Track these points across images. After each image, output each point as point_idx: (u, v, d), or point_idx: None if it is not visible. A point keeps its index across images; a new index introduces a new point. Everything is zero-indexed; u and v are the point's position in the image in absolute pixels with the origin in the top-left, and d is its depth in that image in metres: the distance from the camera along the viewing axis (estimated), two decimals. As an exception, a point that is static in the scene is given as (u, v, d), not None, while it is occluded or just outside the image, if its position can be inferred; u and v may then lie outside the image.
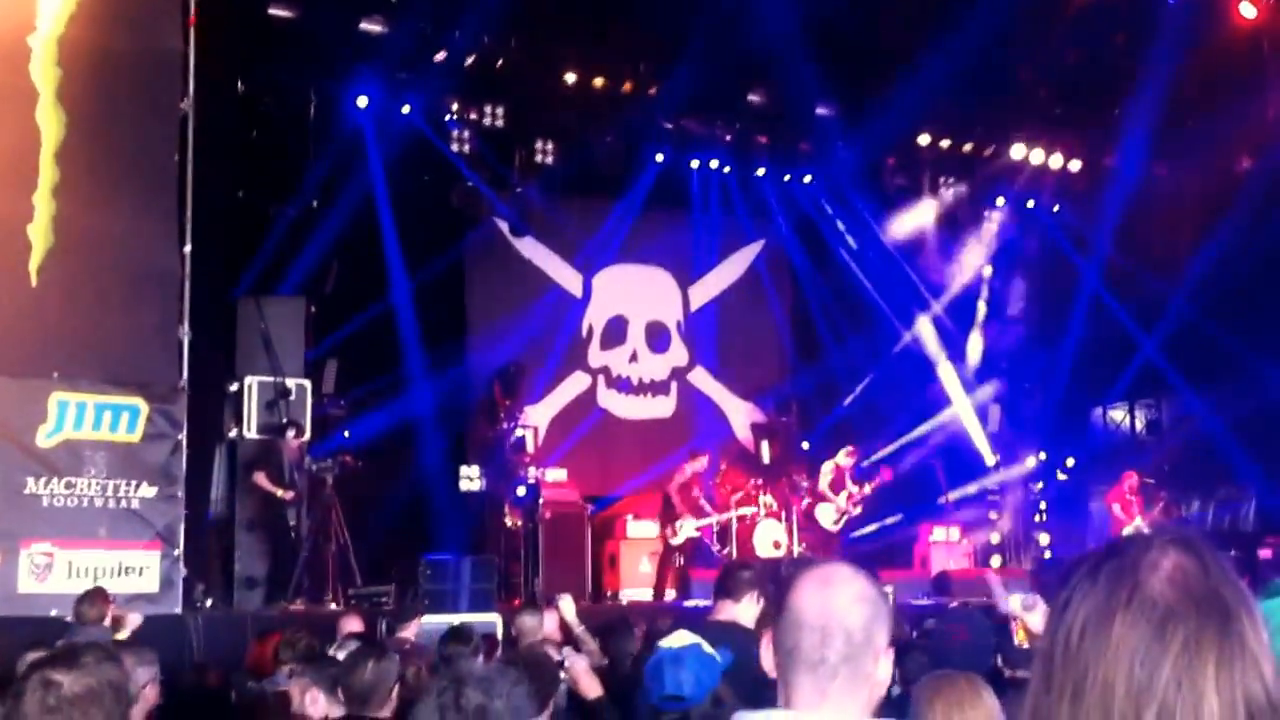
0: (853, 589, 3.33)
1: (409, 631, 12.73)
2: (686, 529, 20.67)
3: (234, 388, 18.74)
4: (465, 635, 9.80)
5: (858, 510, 22.46)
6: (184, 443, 15.98)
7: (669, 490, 20.99)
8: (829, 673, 3.24)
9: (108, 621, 12.18)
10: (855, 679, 3.26)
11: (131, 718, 7.30)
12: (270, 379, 18.77)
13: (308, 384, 19.10)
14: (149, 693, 7.43)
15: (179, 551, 15.74)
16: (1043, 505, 25.94)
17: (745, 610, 7.96)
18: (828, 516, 22.12)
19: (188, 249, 16.13)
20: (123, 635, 11.77)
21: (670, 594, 20.46)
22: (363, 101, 21.60)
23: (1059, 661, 2.18)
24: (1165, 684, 2.08)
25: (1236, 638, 2.10)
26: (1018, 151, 26.98)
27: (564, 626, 12.59)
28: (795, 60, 21.73)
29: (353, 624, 12.51)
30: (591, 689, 7.74)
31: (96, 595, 12.35)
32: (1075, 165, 27.72)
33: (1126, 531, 22.17)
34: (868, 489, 22.42)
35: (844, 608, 3.29)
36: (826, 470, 22.38)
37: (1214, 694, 2.07)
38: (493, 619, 15.59)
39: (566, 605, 12.88)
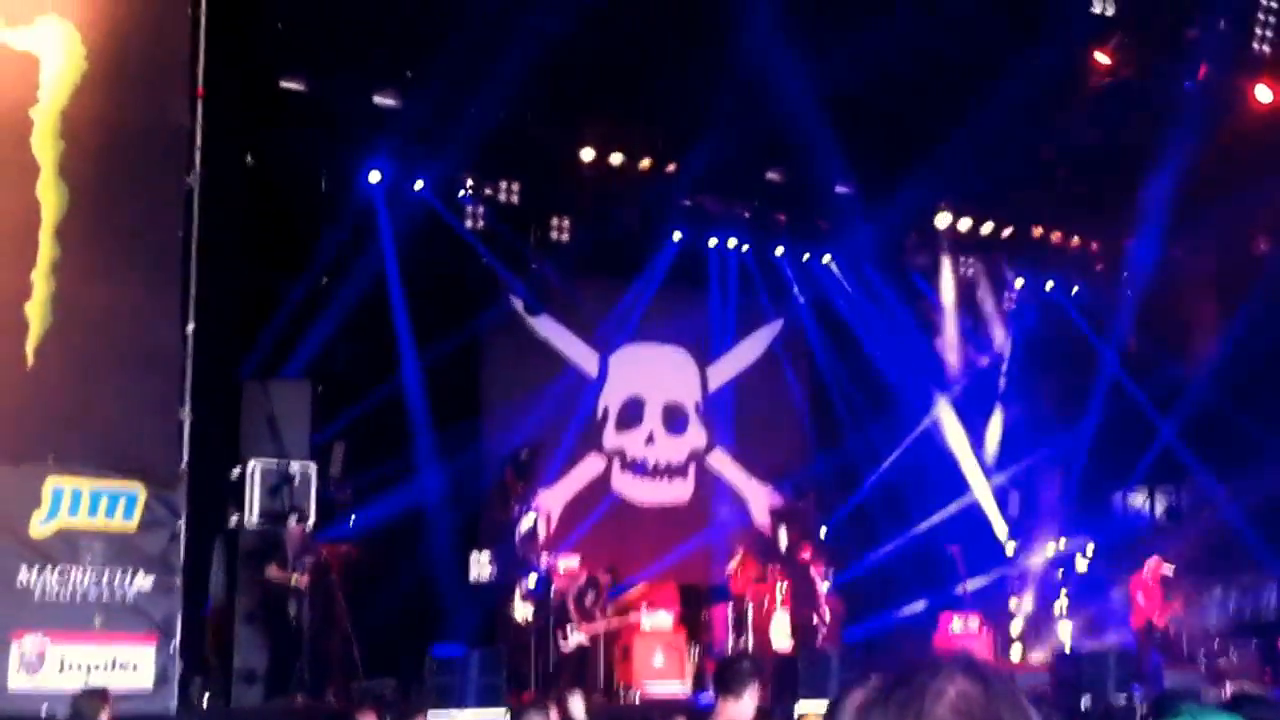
0: None
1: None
2: (575, 637, 19.73)
3: (236, 472, 17.95)
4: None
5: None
6: (183, 531, 15.18)
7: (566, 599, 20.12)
8: None
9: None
10: None
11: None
12: (274, 463, 18.04)
13: (313, 468, 18.29)
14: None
15: (175, 645, 14.99)
16: (1063, 593, 25.14)
17: (747, 707, 7.48)
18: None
19: (190, 328, 15.40)
20: None
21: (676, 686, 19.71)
22: (375, 177, 21.10)
23: None
24: None
25: None
26: (1037, 232, 26.68)
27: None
28: (814, 138, 21.44)
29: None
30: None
31: (97, 694, 12.00)
32: (1094, 246, 27.50)
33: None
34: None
35: None
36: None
37: None
38: (500, 714, 15.16)
39: (575, 704, 12.29)
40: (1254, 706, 5.69)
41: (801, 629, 21.36)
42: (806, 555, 22.17)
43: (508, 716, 14.60)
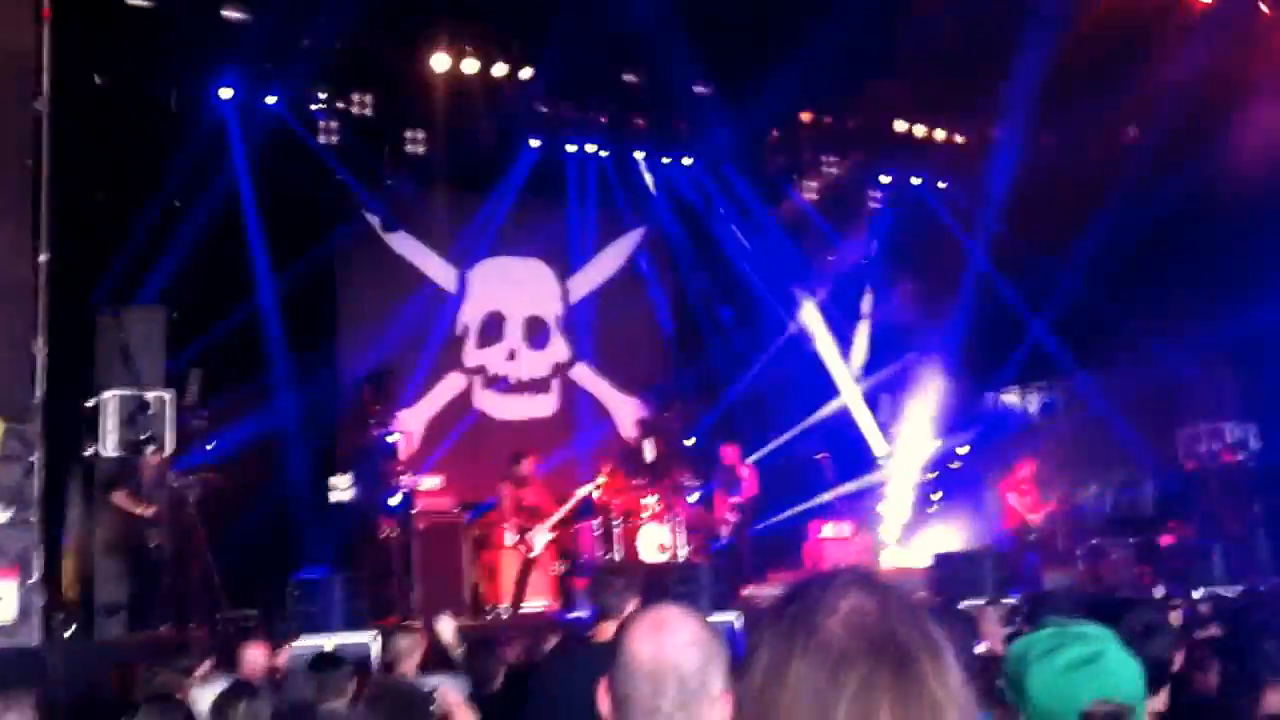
0: (685, 634, 3.41)
1: (281, 658, 12.54)
2: (541, 538, 20.49)
3: (91, 403, 18.27)
4: (333, 663, 9.52)
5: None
6: (39, 464, 15.63)
7: (502, 504, 20.77)
8: None
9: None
10: None
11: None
12: (129, 393, 18.24)
13: (168, 396, 18.50)
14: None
15: (35, 579, 15.39)
16: (937, 495, 25.81)
17: None
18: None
19: (44, 258, 15.79)
20: None
21: (542, 603, 20.33)
22: (226, 94, 21.33)
23: (745, 708, 2.23)
24: None
25: (914, 681, 2.16)
26: (900, 127, 27.06)
27: (442, 649, 12.46)
28: (671, 38, 21.63)
29: (259, 653, 12.11)
30: (467, 720, 7.66)
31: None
32: (960, 140, 27.82)
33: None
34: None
35: (676, 653, 3.36)
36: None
37: None
38: (368, 638, 15.34)
39: (445, 627, 12.72)
40: (1132, 611, 5.56)
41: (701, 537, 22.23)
42: (730, 457, 23.00)
43: (378, 638, 14.82)
